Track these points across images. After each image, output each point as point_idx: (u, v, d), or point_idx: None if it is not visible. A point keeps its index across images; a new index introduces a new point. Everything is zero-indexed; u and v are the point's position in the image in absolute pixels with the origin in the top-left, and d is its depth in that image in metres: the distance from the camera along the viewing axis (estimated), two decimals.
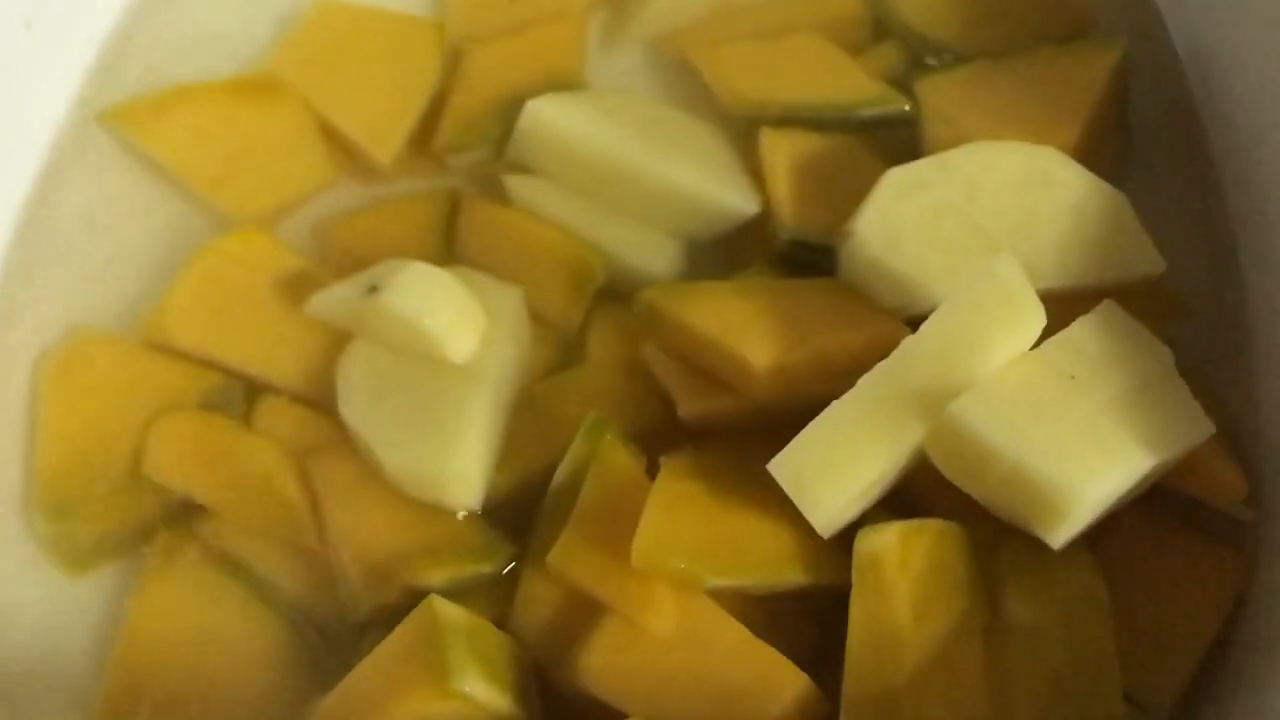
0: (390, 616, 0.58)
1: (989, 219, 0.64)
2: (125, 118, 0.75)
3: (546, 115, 0.70)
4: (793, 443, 0.56)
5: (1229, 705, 0.58)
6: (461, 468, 0.61)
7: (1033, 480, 0.53)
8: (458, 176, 0.74)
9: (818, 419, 0.56)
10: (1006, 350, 0.56)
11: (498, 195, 0.72)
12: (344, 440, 0.64)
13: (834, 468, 0.55)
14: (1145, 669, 0.57)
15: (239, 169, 0.73)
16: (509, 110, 0.72)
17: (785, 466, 0.56)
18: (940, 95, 0.72)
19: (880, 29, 0.77)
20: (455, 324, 0.62)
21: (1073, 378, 0.56)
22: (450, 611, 0.56)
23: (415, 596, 0.58)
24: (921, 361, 0.56)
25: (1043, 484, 0.53)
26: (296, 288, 0.67)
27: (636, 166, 0.69)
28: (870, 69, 0.74)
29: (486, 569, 0.61)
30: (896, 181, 0.65)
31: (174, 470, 0.64)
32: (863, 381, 0.56)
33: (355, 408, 0.63)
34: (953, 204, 0.64)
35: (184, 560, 0.63)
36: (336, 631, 0.62)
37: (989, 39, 0.75)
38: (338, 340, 0.66)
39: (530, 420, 0.65)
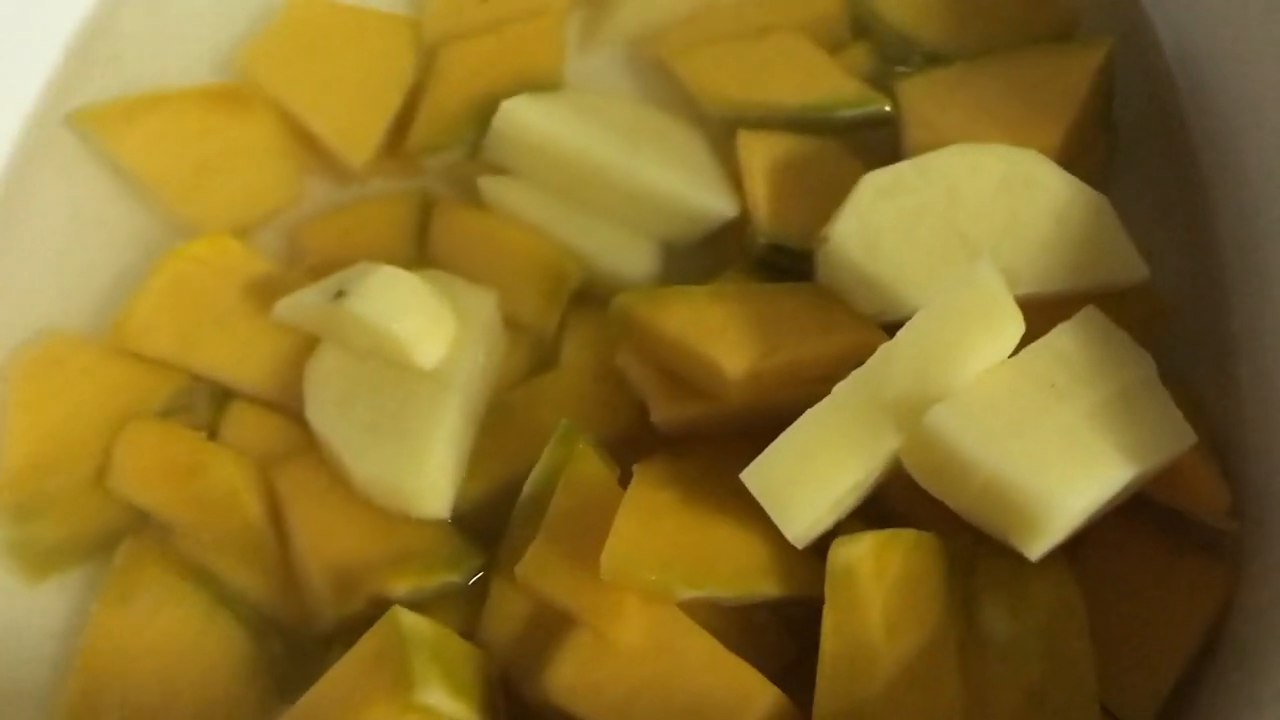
0: (356, 627, 0.57)
1: (969, 223, 0.63)
2: (95, 121, 0.74)
3: (522, 115, 0.69)
4: (766, 452, 0.55)
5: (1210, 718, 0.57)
6: (429, 477, 0.60)
7: (1010, 492, 0.52)
8: (431, 177, 0.73)
9: (791, 428, 0.55)
10: (984, 358, 0.55)
11: (472, 197, 0.71)
12: (312, 446, 0.63)
13: (808, 477, 0.54)
14: (1125, 681, 0.56)
15: (208, 180, 0.72)
16: (484, 110, 0.71)
17: (758, 476, 0.55)
18: (921, 97, 0.71)
19: (860, 29, 0.76)
20: (423, 329, 0.61)
21: (1053, 385, 0.55)
22: (414, 622, 0.55)
23: (382, 607, 0.57)
24: (898, 369, 0.55)
25: (1020, 496, 0.52)
26: (265, 292, 0.66)
27: (613, 168, 0.68)
28: (849, 69, 0.73)
29: (454, 579, 0.60)
30: (875, 185, 0.64)
31: (137, 486, 0.63)
32: (838, 389, 0.55)
33: (323, 414, 0.62)
34: (932, 208, 0.63)
35: (149, 567, 0.62)
36: (302, 642, 0.61)
37: (972, 39, 0.73)
38: (307, 345, 0.65)
39: (502, 427, 0.64)
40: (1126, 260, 0.62)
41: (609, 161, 0.68)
